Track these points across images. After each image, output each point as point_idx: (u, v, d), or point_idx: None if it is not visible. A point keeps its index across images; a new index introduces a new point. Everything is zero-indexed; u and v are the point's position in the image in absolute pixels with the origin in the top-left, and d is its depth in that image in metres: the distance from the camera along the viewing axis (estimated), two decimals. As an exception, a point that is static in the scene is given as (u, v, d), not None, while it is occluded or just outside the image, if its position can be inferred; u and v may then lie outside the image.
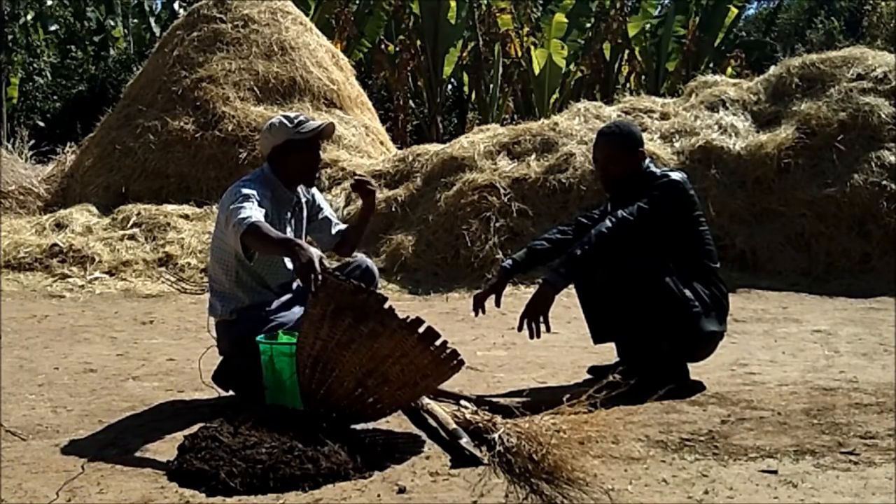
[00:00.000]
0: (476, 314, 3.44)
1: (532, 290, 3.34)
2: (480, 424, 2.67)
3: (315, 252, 2.73)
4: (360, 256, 3.52)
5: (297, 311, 3.26)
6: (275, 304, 3.27)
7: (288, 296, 3.34)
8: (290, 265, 3.34)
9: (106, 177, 9.16)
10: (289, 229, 3.35)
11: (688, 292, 3.33)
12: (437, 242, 7.20)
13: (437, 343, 2.60)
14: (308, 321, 2.70)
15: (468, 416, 2.76)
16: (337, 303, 2.62)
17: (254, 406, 2.84)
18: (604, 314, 3.51)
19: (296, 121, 3.30)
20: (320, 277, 2.64)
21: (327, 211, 3.57)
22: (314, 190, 3.54)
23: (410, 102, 17.05)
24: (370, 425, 2.86)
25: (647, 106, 8.40)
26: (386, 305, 2.58)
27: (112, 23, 19.94)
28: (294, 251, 2.75)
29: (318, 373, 2.68)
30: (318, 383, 2.69)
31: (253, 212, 3.02)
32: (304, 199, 3.45)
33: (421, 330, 2.58)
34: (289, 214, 3.37)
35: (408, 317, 2.60)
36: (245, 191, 3.15)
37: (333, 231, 3.56)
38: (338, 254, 3.73)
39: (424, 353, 2.61)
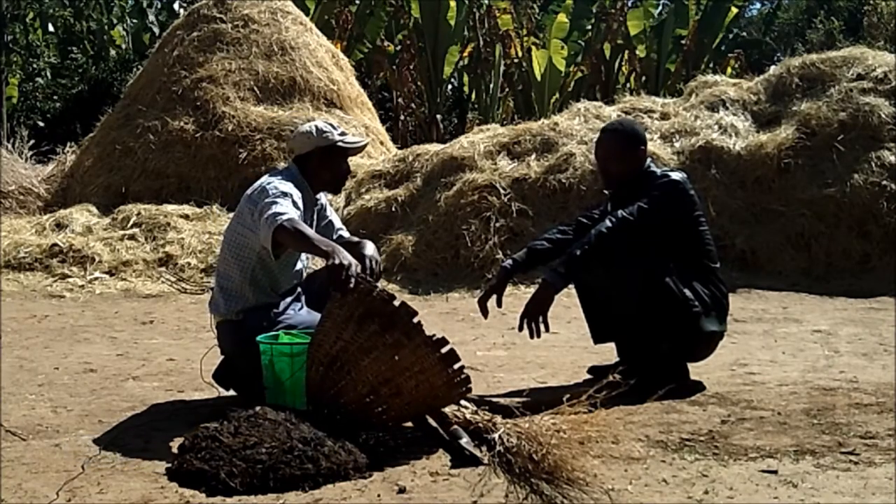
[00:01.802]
0: (486, 317, 3.43)
1: (532, 290, 3.34)
2: (480, 424, 2.67)
3: (352, 258, 2.76)
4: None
5: (304, 313, 3.27)
6: (282, 306, 3.28)
7: (290, 298, 3.35)
8: (298, 266, 3.37)
9: (106, 177, 9.16)
10: None
11: (688, 292, 3.33)
12: (437, 242, 7.20)
13: (456, 367, 2.62)
14: (331, 320, 2.71)
15: (468, 416, 2.76)
16: (366, 308, 2.64)
17: (254, 406, 2.83)
18: (604, 314, 3.52)
19: (339, 129, 3.39)
20: (352, 283, 2.66)
21: (332, 216, 3.57)
22: (324, 197, 3.55)
23: (411, 103, 17.03)
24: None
25: (647, 106, 8.39)
26: (415, 320, 2.60)
27: (112, 21, 19.93)
28: (334, 253, 2.77)
29: (333, 372, 2.68)
30: (331, 382, 2.69)
31: (290, 209, 3.03)
32: (318, 205, 3.47)
33: (444, 350, 2.60)
34: (310, 218, 3.39)
35: (434, 334, 2.62)
36: (283, 187, 3.16)
37: (335, 236, 3.54)
38: None
39: (441, 374, 2.62)
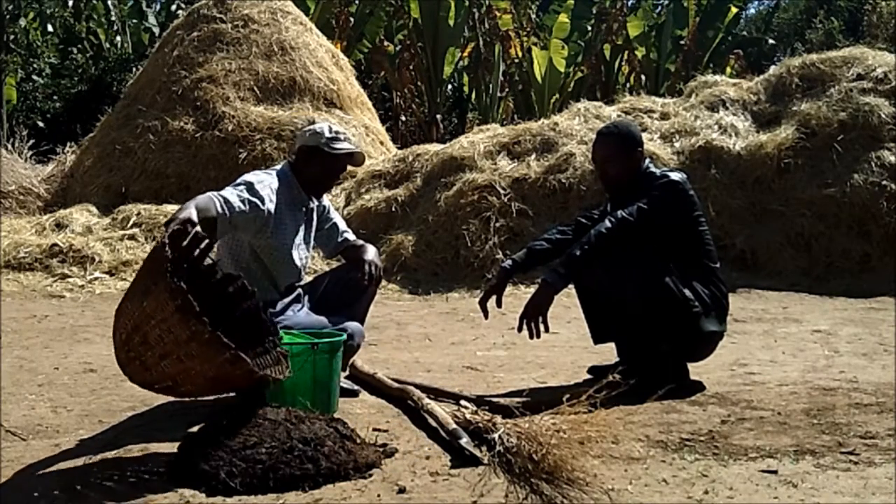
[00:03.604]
0: (486, 318, 3.43)
1: (532, 290, 3.34)
2: (480, 424, 2.67)
3: (184, 214, 2.67)
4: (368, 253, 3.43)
5: (302, 314, 3.27)
6: (279, 306, 3.28)
7: (291, 297, 3.34)
8: (298, 262, 3.36)
9: (106, 177, 9.17)
10: (301, 230, 3.37)
11: (688, 292, 3.33)
12: (437, 242, 7.21)
13: (196, 321, 2.35)
14: None
15: (468, 416, 2.76)
16: (151, 260, 2.56)
17: (254, 406, 2.83)
18: (604, 314, 3.52)
19: (333, 135, 3.34)
20: (164, 238, 2.52)
21: (337, 219, 3.57)
22: (326, 199, 3.55)
23: (411, 103, 17.04)
24: (369, 426, 2.86)
25: (647, 106, 8.40)
26: (168, 265, 2.37)
27: (112, 21, 19.94)
28: (174, 214, 2.72)
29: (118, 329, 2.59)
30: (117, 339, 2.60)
31: (228, 195, 3.04)
32: (315, 205, 3.46)
33: (179, 301, 2.35)
34: (303, 216, 3.39)
35: (177, 281, 2.37)
36: (248, 178, 3.20)
37: (339, 238, 3.55)
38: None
39: (182, 326, 2.39)
